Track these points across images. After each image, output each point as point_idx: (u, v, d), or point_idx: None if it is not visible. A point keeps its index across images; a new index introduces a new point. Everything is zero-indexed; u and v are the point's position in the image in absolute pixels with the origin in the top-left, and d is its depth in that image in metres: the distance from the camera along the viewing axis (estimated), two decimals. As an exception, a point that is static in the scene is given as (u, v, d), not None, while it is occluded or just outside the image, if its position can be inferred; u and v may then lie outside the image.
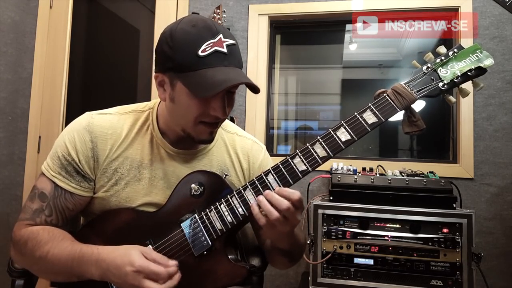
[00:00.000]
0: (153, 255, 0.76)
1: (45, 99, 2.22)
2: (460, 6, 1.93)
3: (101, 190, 0.88)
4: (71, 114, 2.20)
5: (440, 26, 2.24)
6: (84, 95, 2.44)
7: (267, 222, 0.74)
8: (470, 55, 0.79)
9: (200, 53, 0.75)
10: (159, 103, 0.94)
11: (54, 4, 2.26)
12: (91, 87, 2.48)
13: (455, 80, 0.78)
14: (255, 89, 0.81)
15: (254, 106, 2.12)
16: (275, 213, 0.73)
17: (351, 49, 2.84)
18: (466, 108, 1.88)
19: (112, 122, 0.90)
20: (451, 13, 2.01)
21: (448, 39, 2.06)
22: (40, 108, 2.21)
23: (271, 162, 1.03)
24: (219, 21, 2.00)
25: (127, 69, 2.47)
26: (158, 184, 0.90)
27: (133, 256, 0.74)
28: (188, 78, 0.76)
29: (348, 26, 2.55)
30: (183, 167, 0.92)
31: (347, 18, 2.21)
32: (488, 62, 0.78)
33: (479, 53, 0.79)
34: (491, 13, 1.91)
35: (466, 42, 1.90)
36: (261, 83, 2.13)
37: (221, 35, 0.78)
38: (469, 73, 0.78)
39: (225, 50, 0.77)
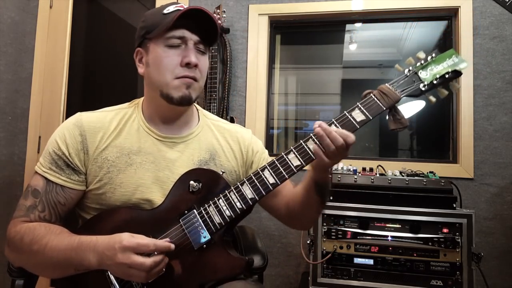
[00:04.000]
0: (142, 235, 0.79)
1: (45, 99, 2.22)
2: (460, 6, 1.93)
3: (95, 180, 0.90)
4: (71, 114, 2.16)
5: (440, 26, 2.24)
6: (84, 95, 2.44)
7: (324, 152, 0.81)
8: (447, 59, 0.87)
9: (164, 11, 0.90)
10: (143, 99, 1.00)
11: (54, 4, 2.26)
12: (91, 87, 2.48)
13: (434, 82, 0.86)
14: (214, 29, 0.90)
15: (254, 106, 2.12)
16: (332, 147, 0.79)
17: (351, 49, 2.85)
18: (466, 108, 1.88)
19: (100, 118, 0.94)
20: (451, 13, 2.01)
21: (448, 39, 2.06)
22: (40, 108, 2.21)
23: (261, 143, 1.11)
24: (219, 21, 2.00)
25: (127, 69, 2.47)
26: (150, 168, 0.92)
27: (122, 235, 0.77)
28: (155, 30, 0.89)
29: (348, 26, 2.56)
30: (172, 151, 0.95)
31: (347, 18, 2.21)
32: (462, 65, 0.86)
33: (454, 57, 0.87)
34: (491, 13, 1.91)
35: (466, 42, 1.91)
36: (261, 83, 2.13)
37: (182, 4, 0.94)
38: (446, 76, 0.86)
39: (184, 10, 0.88)
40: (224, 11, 2.03)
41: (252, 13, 2.14)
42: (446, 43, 2.09)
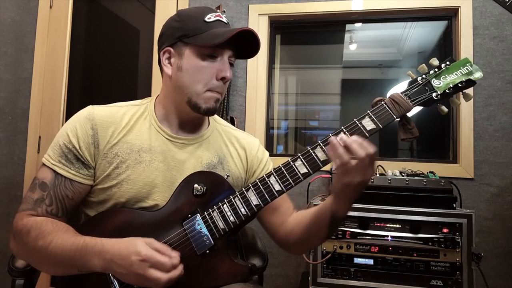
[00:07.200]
0: (157, 245, 0.77)
1: (45, 99, 2.22)
2: (460, 6, 1.93)
3: (103, 175, 0.89)
4: (71, 114, 2.17)
5: (440, 26, 2.24)
6: (84, 95, 2.44)
7: (342, 165, 0.75)
8: (461, 67, 0.84)
9: (206, 19, 0.88)
10: (156, 98, 0.99)
11: (54, 4, 2.26)
12: (91, 87, 2.49)
13: (447, 91, 0.83)
14: (256, 46, 0.90)
15: (254, 106, 2.12)
16: (344, 158, 0.74)
17: (351, 49, 2.84)
18: (466, 108, 1.88)
19: (112, 112, 0.93)
20: (451, 13, 2.01)
21: (448, 39, 2.06)
22: (40, 108, 2.21)
23: (267, 154, 1.09)
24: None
25: (127, 69, 2.47)
26: (159, 167, 0.91)
27: (139, 246, 0.75)
28: (198, 38, 0.87)
29: (348, 26, 2.55)
30: (181, 152, 0.95)
31: (347, 18, 2.21)
32: (477, 75, 0.83)
33: (469, 66, 0.84)
34: (491, 13, 1.91)
35: (466, 42, 1.91)
36: (261, 83, 2.13)
37: (219, 13, 0.92)
38: (459, 85, 0.83)
39: (225, 21, 0.91)
40: (224, 11, 2.03)
41: (252, 13, 2.14)
42: (446, 43, 2.09)
